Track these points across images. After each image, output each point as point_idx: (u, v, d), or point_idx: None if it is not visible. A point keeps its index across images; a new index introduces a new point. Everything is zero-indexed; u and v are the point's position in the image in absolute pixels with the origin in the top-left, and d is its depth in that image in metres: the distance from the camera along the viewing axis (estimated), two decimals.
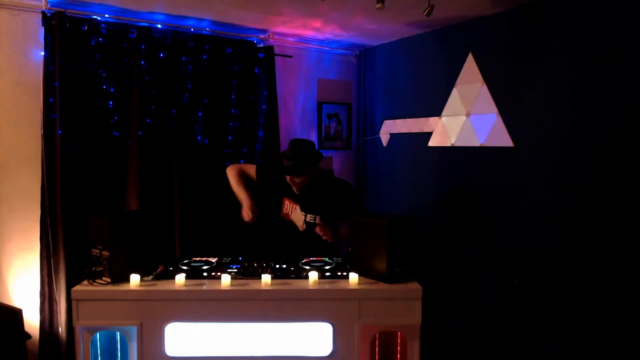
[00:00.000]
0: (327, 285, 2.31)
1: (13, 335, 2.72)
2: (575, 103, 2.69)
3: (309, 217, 2.76)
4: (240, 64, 3.60)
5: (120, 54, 3.15)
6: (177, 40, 3.33)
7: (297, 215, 2.79)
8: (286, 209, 2.82)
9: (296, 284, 2.32)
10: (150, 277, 2.35)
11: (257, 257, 2.55)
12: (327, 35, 3.86)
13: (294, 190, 2.75)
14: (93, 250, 2.32)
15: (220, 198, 3.17)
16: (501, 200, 3.10)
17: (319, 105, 4.22)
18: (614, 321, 2.54)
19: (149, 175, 3.25)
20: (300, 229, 2.79)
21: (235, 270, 2.44)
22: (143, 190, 3.21)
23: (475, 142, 3.26)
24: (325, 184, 2.83)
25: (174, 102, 3.35)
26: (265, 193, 2.86)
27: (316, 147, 2.84)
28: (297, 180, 2.69)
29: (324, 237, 2.67)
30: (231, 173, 2.87)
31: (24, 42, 2.94)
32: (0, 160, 2.92)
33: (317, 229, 2.68)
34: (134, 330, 2.22)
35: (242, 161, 3.63)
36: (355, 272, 2.35)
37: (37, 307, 2.96)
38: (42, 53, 2.91)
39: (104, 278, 2.29)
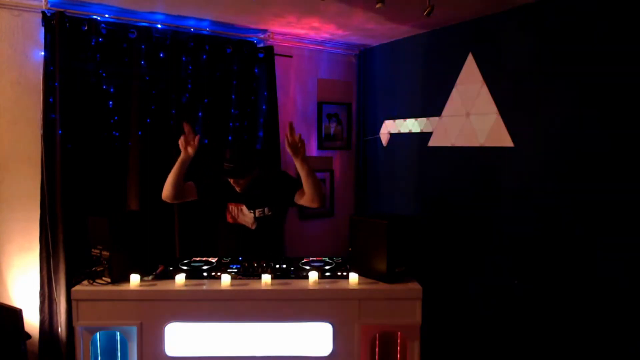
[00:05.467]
0: (327, 285, 2.31)
1: (13, 335, 2.72)
2: (575, 103, 2.69)
3: (258, 212, 2.78)
4: (240, 64, 3.60)
5: (120, 54, 3.15)
6: (177, 40, 3.32)
7: (245, 216, 2.79)
8: (232, 214, 2.81)
9: (296, 284, 2.32)
10: (150, 277, 2.35)
11: (256, 258, 2.55)
12: (327, 35, 3.86)
13: (237, 190, 2.76)
14: (93, 250, 2.32)
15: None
16: (501, 200, 3.10)
17: (319, 105, 4.22)
18: (615, 321, 2.54)
19: (149, 175, 3.24)
20: (252, 227, 2.79)
21: (235, 270, 2.44)
22: (143, 190, 3.21)
23: (475, 142, 3.26)
24: (265, 177, 2.85)
25: (174, 102, 3.34)
26: (210, 204, 2.88)
27: (257, 146, 2.88)
28: (240, 181, 2.71)
29: (295, 148, 2.56)
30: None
31: (24, 42, 2.93)
32: (0, 160, 2.92)
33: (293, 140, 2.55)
34: (134, 330, 2.23)
35: None
36: (355, 272, 2.35)
37: (37, 307, 2.96)
38: (42, 53, 2.91)
39: (104, 278, 2.29)
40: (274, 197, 2.80)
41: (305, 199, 2.69)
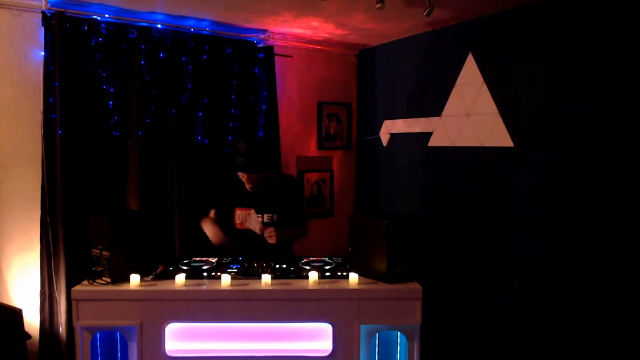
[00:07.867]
0: (327, 285, 2.31)
1: (13, 335, 2.72)
2: (575, 103, 2.69)
3: (267, 218, 2.76)
4: (240, 64, 3.60)
5: (120, 54, 3.15)
6: (177, 40, 3.32)
7: (253, 221, 2.76)
8: (239, 219, 2.79)
9: (296, 284, 2.32)
10: (150, 277, 2.35)
11: (256, 258, 2.55)
12: (326, 35, 3.86)
13: (247, 188, 2.75)
14: (93, 250, 2.33)
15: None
16: (501, 200, 3.10)
17: (319, 105, 4.22)
18: (615, 321, 2.54)
19: (149, 175, 3.25)
20: (259, 233, 2.74)
21: (235, 270, 2.45)
22: (143, 190, 3.20)
23: (475, 142, 3.26)
24: (276, 180, 2.84)
25: (174, 102, 3.34)
26: (222, 211, 2.86)
27: (267, 145, 2.93)
28: (253, 176, 2.69)
29: (269, 239, 2.68)
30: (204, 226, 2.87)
31: (24, 42, 2.93)
32: (0, 160, 2.92)
33: (265, 232, 2.68)
34: (134, 330, 2.23)
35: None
36: (355, 272, 2.35)
37: (37, 307, 2.96)
38: (42, 53, 2.91)
39: (104, 278, 2.29)
40: (281, 204, 2.78)
41: None
